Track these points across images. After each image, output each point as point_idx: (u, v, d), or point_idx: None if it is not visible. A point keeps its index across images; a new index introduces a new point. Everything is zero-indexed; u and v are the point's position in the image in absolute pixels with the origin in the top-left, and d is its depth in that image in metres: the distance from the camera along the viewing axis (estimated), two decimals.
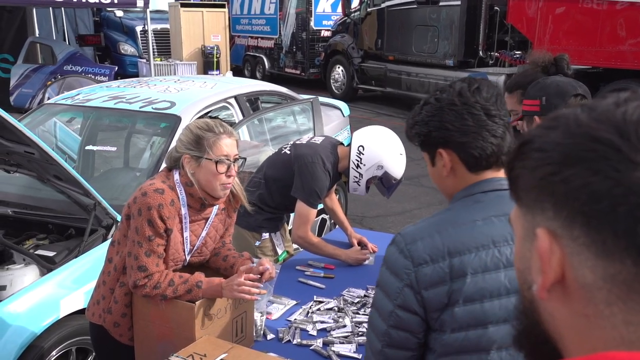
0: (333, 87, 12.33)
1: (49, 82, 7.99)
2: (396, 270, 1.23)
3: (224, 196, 2.00)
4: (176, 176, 1.94)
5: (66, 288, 2.60)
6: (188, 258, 2.02)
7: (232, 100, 4.02)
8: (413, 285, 1.21)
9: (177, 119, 3.49)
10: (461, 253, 1.20)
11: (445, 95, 1.32)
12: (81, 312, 2.52)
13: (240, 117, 3.94)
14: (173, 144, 2.05)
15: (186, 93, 3.91)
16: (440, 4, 9.60)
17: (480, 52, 9.40)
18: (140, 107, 3.63)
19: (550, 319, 0.54)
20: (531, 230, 0.54)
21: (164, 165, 2.05)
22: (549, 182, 0.51)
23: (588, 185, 0.48)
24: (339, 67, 12.20)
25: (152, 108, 3.62)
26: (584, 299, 0.50)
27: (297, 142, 2.94)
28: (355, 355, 2.02)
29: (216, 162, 1.89)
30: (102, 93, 3.92)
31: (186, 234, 1.96)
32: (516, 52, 9.13)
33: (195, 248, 2.03)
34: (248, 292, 1.90)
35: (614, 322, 0.49)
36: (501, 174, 1.31)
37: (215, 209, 2.05)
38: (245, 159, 2.03)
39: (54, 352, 2.50)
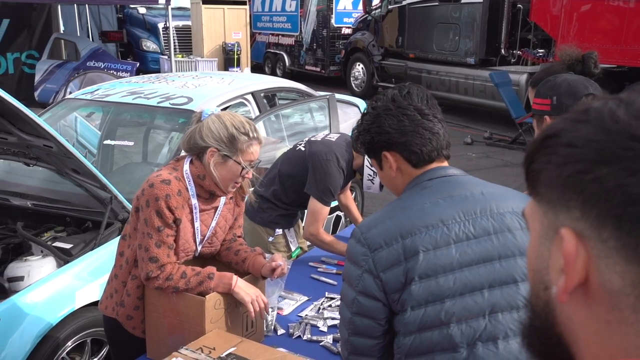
0: (353, 85, 12.31)
1: (72, 78, 8.11)
2: (355, 259, 1.34)
3: (232, 192, 2.03)
4: (185, 166, 1.94)
5: (82, 280, 2.64)
6: (199, 248, 2.04)
7: (249, 97, 4.03)
8: (372, 270, 1.30)
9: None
10: (412, 233, 1.30)
11: (380, 103, 1.46)
12: (96, 303, 2.55)
13: (257, 113, 3.96)
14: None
15: (203, 89, 3.94)
16: (462, 1, 9.51)
17: (502, 50, 9.29)
18: (158, 103, 3.67)
19: (567, 322, 0.52)
20: (552, 228, 0.52)
21: (183, 153, 2.05)
22: (579, 181, 0.48)
23: (624, 187, 0.46)
24: (359, 65, 12.17)
25: (170, 104, 3.65)
26: (608, 304, 0.48)
27: (312, 138, 2.94)
28: None
29: (242, 167, 1.91)
30: (121, 88, 3.97)
31: (197, 224, 1.97)
32: (539, 51, 8.99)
33: (206, 238, 2.04)
34: (253, 308, 1.93)
35: (638, 330, 0.46)
36: (445, 164, 1.45)
37: (223, 198, 2.06)
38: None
39: (69, 343, 2.54)
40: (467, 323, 1.27)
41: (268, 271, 2.05)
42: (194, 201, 1.94)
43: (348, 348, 1.37)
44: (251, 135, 1.92)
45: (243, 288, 1.94)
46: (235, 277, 1.95)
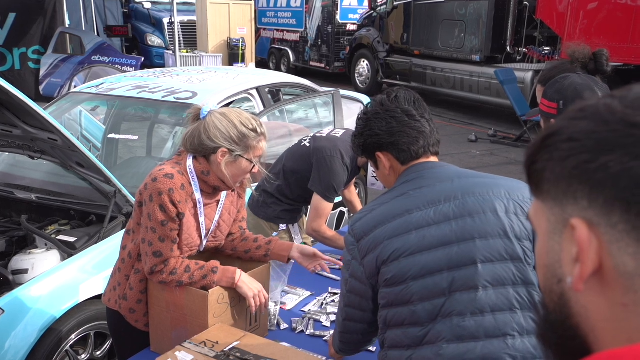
0: (357, 81, 12.29)
1: (77, 72, 8.11)
2: (348, 247, 1.53)
3: (237, 187, 2.04)
4: (189, 162, 1.93)
5: (86, 273, 2.64)
6: (205, 242, 2.04)
7: (254, 92, 4.03)
8: (357, 258, 1.49)
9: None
10: (382, 224, 1.46)
11: (370, 108, 1.62)
12: (100, 297, 2.55)
13: (262, 108, 3.95)
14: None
15: (208, 84, 3.93)
16: None
17: (508, 48, 9.26)
18: (163, 97, 3.67)
19: (583, 312, 0.52)
20: (560, 222, 0.53)
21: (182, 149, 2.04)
22: (584, 171, 0.50)
23: (629, 170, 0.47)
24: (364, 61, 12.15)
25: (174, 98, 3.65)
26: (622, 288, 0.49)
27: (317, 134, 2.93)
28: (369, 348, 2.01)
29: (252, 164, 1.92)
30: (126, 82, 3.97)
31: (201, 218, 1.97)
32: (545, 48, 8.96)
33: (210, 232, 2.03)
34: (255, 302, 1.94)
35: None
36: (431, 159, 1.58)
37: (224, 191, 2.06)
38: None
39: (72, 336, 2.55)
40: (430, 301, 1.40)
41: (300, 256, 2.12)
42: (198, 195, 1.93)
43: (343, 315, 1.58)
44: (259, 130, 1.93)
45: (246, 282, 1.94)
46: (239, 271, 1.95)
